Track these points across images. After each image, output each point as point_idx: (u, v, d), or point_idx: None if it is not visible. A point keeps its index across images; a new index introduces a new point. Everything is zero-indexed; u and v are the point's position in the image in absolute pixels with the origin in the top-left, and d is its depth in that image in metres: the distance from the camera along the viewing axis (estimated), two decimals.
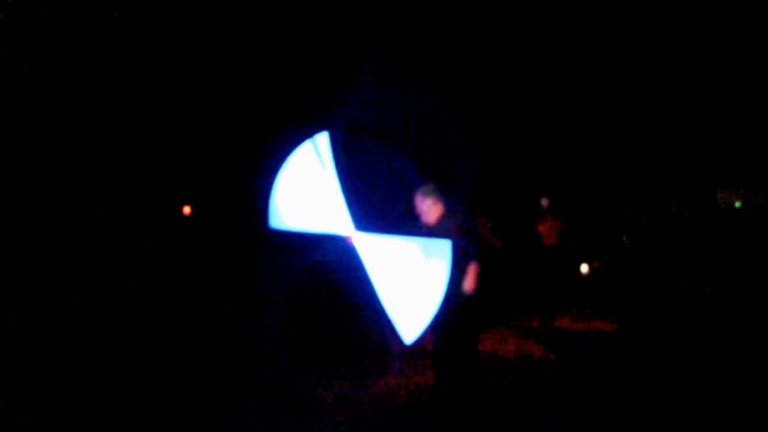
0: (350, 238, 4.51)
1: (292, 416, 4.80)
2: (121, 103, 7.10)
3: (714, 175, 7.52)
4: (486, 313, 5.34)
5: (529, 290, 7.81)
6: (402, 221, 5.09)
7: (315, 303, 7.19)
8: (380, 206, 6.36)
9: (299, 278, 7.10)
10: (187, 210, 8.22)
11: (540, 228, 7.79)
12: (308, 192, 4.59)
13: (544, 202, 7.75)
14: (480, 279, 4.70)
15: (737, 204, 7.50)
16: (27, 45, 6.37)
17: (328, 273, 6.69)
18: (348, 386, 5.47)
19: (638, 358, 6.07)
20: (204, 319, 7.19)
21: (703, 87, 7.11)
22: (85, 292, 7.30)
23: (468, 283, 4.66)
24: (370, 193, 7.05)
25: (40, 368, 5.82)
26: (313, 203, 4.59)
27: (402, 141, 7.19)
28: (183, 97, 7.39)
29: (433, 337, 4.85)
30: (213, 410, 4.94)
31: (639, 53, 7.18)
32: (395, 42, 6.99)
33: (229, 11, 7.16)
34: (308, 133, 4.55)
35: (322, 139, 4.57)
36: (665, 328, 6.94)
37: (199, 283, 7.68)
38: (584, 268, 7.96)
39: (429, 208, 4.84)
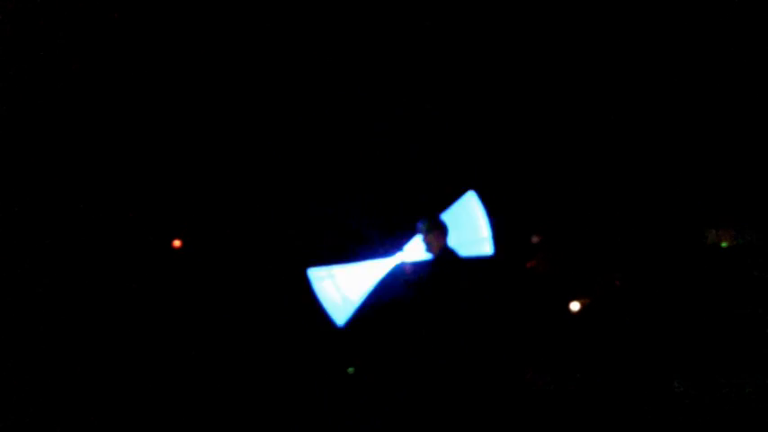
0: None
1: None
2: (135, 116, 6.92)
3: (701, 212, 7.33)
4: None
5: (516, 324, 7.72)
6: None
7: None
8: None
9: None
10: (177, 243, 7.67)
11: (529, 263, 7.78)
12: None
13: (534, 238, 7.76)
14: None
15: (724, 244, 7.38)
16: (28, 49, 6.29)
17: None
18: None
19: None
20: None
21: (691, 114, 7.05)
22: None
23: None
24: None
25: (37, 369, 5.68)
26: None
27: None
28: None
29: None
30: None
31: (633, 71, 7.13)
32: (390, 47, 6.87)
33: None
34: None
35: None
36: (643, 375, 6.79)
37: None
38: (575, 306, 7.91)
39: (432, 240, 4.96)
